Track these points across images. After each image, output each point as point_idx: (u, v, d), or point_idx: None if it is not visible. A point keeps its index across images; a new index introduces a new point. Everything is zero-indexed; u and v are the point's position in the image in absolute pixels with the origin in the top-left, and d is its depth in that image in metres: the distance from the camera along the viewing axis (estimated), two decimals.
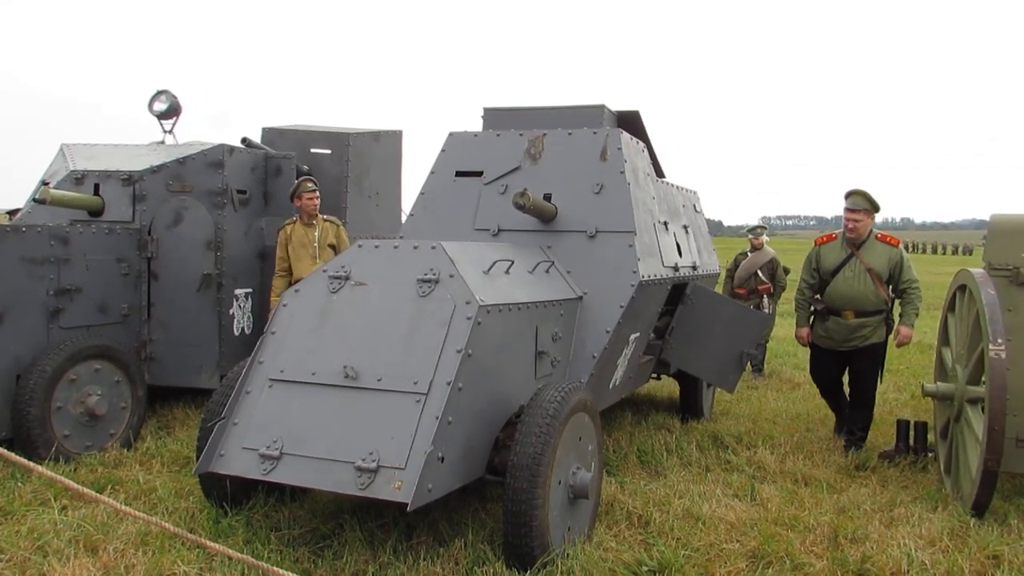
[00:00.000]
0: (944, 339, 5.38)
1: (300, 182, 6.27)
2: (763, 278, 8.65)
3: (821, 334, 5.76)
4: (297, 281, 5.04)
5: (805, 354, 10.83)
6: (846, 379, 5.95)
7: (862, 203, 5.52)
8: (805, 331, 5.84)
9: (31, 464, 3.06)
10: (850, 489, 4.79)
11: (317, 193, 6.23)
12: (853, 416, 5.77)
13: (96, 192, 5.89)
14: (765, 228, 9.04)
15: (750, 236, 8.99)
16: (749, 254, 8.86)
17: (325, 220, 6.30)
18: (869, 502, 4.52)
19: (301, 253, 6.10)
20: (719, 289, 7.97)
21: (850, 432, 5.74)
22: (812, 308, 5.80)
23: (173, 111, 7.34)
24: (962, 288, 4.85)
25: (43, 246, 5.08)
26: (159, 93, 7.24)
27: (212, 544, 3.26)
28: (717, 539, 3.87)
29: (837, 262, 5.63)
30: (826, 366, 5.88)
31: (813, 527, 4.07)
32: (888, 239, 5.65)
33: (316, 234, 6.19)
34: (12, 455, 3.07)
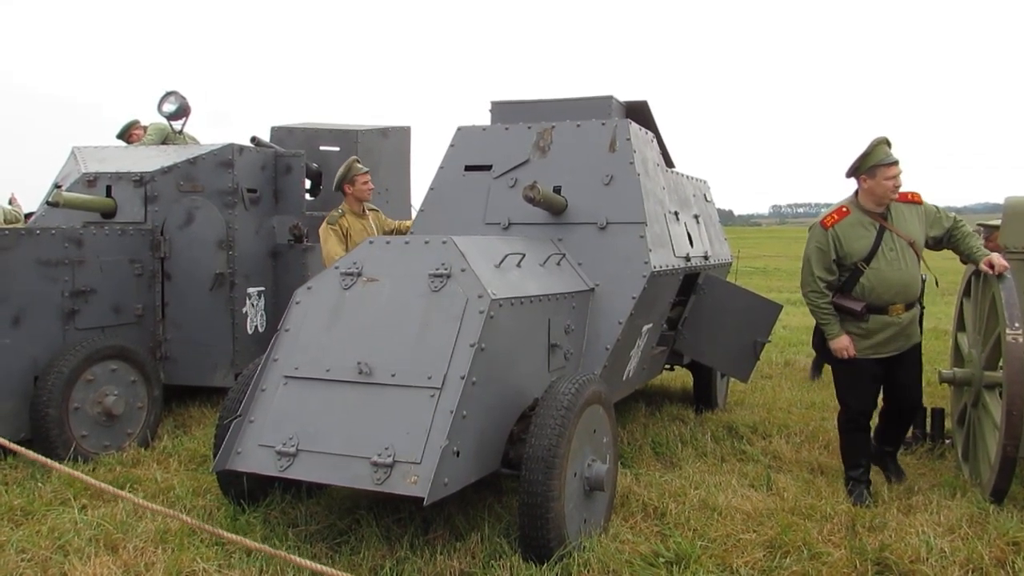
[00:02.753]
0: (960, 324, 5.33)
1: (351, 164, 5.64)
2: None
3: (860, 340, 4.43)
4: None
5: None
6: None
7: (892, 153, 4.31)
8: (847, 339, 4.40)
9: (52, 463, 3.10)
10: None
11: (369, 176, 5.71)
12: (889, 432, 4.77)
13: (108, 194, 5.93)
14: None
15: None
16: None
17: (371, 211, 5.83)
18: (886, 490, 4.50)
19: None
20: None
21: (889, 443, 4.76)
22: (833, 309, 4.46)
23: (182, 112, 7.39)
24: (977, 272, 4.80)
25: (57, 248, 5.12)
26: (168, 94, 7.29)
27: (229, 535, 3.28)
28: (734, 529, 3.86)
29: (870, 243, 4.33)
30: (868, 383, 4.50)
31: (830, 516, 4.05)
32: (909, 197, 4.46)
33: (372, 224, 5.70)
34: (35, 455, 3.10)
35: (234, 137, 6.93)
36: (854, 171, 4.40)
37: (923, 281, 4.64)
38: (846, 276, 4.40)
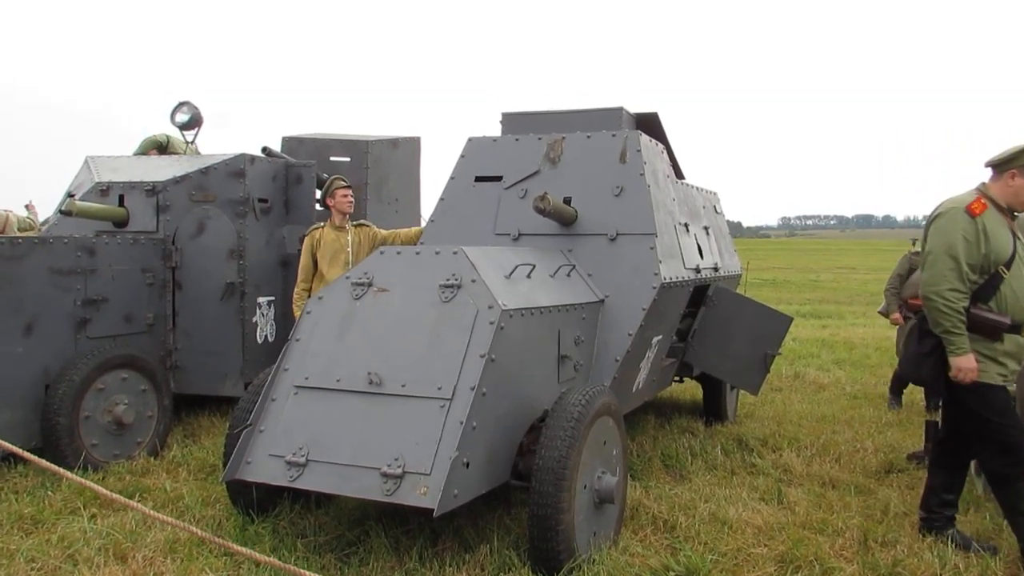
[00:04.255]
0: None
1: (332, 180, 5.98)
2: None
3: (990, 364, 3.68)
4: None
5: (829, 355, 10.81)
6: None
7: None
8: (973, 358, 3.62)
9: (62, 471, 3.10)
10: (879, 492, 4.72)
11: (351, 191, 5.98)
12: (957, 479, 4.02)
13: (121, 203, 5.97)
14: None
15: None
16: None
17: (356, 226, 5.99)
18: (899, 505, 4.46)
19: (335, 261, 5.71)
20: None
21: (948, 490, 4.00)
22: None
23: (195, 122, 7.43)
24: None
25: (70, 257, 5.15)
26: (181, 104, 7.34)
27: (238, 547, 3.27)
28: (744, 543, 3.83)
29: (1010, 244, 3.64)
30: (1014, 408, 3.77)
31: (842, 530, 4.02)
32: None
33: (349, 239, 5.84)
34: (46, 463, 3.11)
35: (240, 143, 6.99)
36: (1005, 162, 3.68)
37: None
38: (981, 282, 3.66)
